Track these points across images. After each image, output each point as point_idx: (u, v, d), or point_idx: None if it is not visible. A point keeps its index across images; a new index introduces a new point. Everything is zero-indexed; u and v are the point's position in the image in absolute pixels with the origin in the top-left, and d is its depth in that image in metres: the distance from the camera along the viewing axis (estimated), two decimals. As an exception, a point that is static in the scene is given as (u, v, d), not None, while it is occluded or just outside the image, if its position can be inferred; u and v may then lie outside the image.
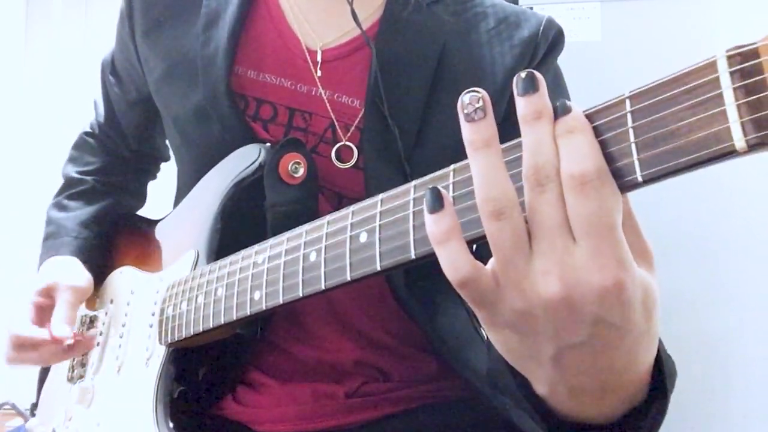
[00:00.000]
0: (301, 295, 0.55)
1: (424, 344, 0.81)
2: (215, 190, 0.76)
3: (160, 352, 0.73)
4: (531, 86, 0.39)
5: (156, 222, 0.92)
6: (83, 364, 0.85)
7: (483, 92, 0.40)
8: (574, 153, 0.38)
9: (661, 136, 0.36)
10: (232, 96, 0.78)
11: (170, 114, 0.85)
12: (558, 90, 0.84)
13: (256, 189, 0.73)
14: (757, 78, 0.32)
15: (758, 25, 1.32)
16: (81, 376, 0.84)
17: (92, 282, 0.85)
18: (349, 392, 0.79)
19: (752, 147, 0.33)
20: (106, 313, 0.86)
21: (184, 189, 0.86)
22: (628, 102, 0.37)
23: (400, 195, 0.47)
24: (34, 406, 0.97)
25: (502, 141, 0.40)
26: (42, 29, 3.07)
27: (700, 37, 1.40)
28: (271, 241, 0.61)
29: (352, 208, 0.52)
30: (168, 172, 1.06)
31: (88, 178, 0.99)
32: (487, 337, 0.47)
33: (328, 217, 0.54)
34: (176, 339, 0.71)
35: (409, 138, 0.76)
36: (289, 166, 0.72)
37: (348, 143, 0.77)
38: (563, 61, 0.86)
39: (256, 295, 0.60)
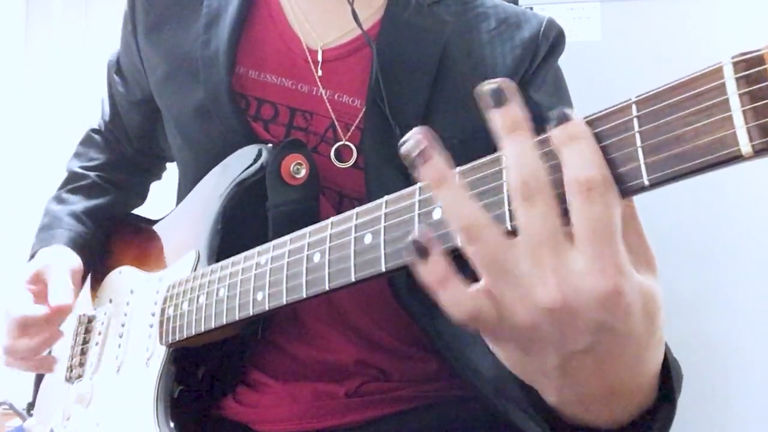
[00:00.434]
0: (305, 295, 0.55)
1: (424, 344, 0.81)
2: (216, 190, 0.76)
3: (160, 352, 0.73)
4: (503, 97, 0.39)
5: (156, 222, 0.92)
6: (82, 364, 0.85)
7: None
8: (579, 159, 0.38)
9: (668, 141, 0.36)
10: (233, 96, 0.78)
11: (171, 114, 0.85)
12: (558, 91, 0.84)
13: (257, 189, 0.73)
14: (762, 84, 0.33)
15: (758, 26, 1.33)
16: (79, 376, 0.84)
17: (83, 268, 0.85)
18: (350, 392, 0.79)
19: (758, 152, 0.33)
20: (105, 313, 0.86)
21: (184, 189, 0.86)
22: (634, 107, 0.38)
23: (405, 197, 0.48)
24: (31, 405, 0.96)
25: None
26: (42, 29, 3.07)
27: (700, 37, 1.40)
28: (274, 242, 0.61)
29: (356, 210, 0.52)
30: (169, 172, 1.06)
31: (91, 173, 0.99)
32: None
33: (332, 219, 0.54)
34: (177, 339, 0.71)
35: None
36: (291, 167, 0.72)
37: (347, 143, 0.77)
38: (563, 61, 0.86)
39: (259, 296, 0.60)
